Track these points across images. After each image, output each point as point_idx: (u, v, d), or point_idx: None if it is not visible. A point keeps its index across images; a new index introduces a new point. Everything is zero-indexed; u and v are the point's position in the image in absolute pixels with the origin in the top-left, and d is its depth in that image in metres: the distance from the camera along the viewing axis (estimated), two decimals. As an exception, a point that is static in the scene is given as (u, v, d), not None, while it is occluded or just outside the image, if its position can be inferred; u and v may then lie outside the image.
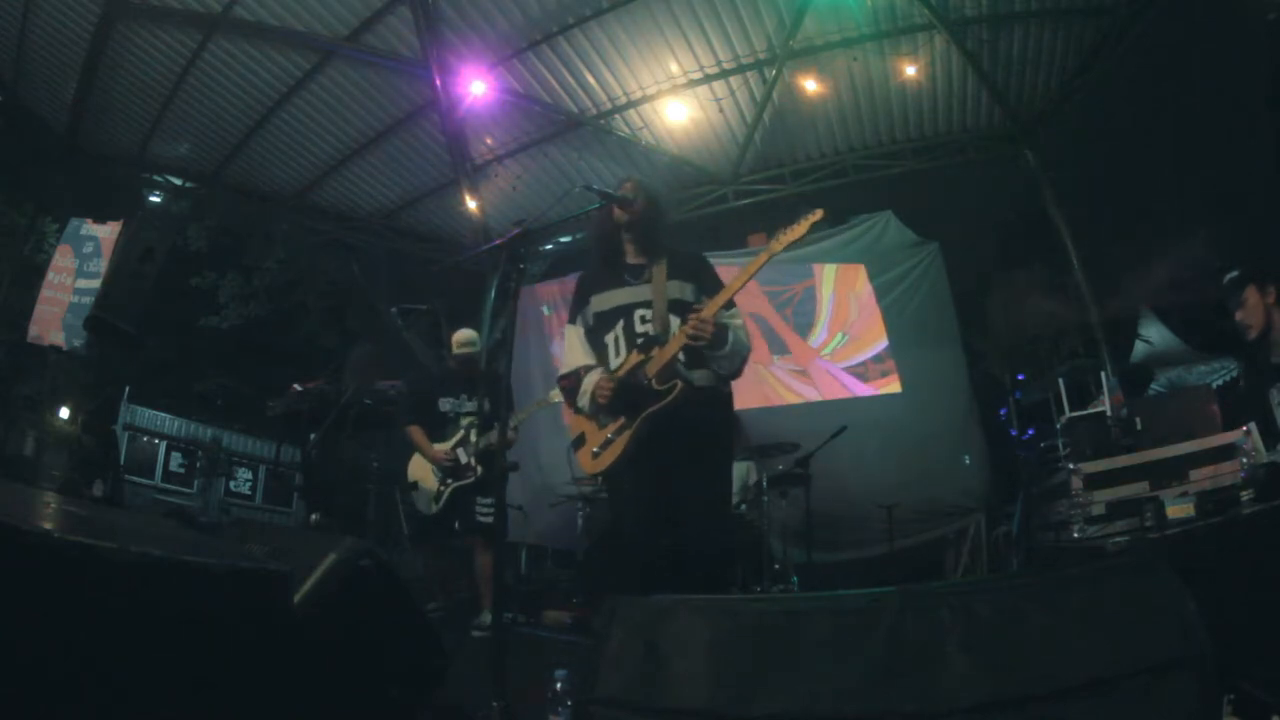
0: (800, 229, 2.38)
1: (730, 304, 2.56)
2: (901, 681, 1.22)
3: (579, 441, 2.65)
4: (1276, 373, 2.75)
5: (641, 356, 2.50)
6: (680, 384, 2.42)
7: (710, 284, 2.60)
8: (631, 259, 2.68)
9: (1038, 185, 6.95)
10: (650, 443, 2.46)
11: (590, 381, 2.56)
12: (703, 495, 2.48)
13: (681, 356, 2.45)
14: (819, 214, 2.38)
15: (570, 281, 7.90)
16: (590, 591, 4.86)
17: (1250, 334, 2.98)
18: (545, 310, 8.38)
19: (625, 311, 2.60)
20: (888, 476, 6.12)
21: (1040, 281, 8.02)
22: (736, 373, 2.57)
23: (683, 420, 2.43)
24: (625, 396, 2.48)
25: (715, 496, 2.57)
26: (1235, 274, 3.02)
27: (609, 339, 2.62)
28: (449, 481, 4.24)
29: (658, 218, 2.67)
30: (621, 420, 2.50)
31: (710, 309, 2.40)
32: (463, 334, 4.55)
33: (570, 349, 2.72)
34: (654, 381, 2.44)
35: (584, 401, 2.58)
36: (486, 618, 3.97)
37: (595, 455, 2.57)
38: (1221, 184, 6.88)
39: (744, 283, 2.49)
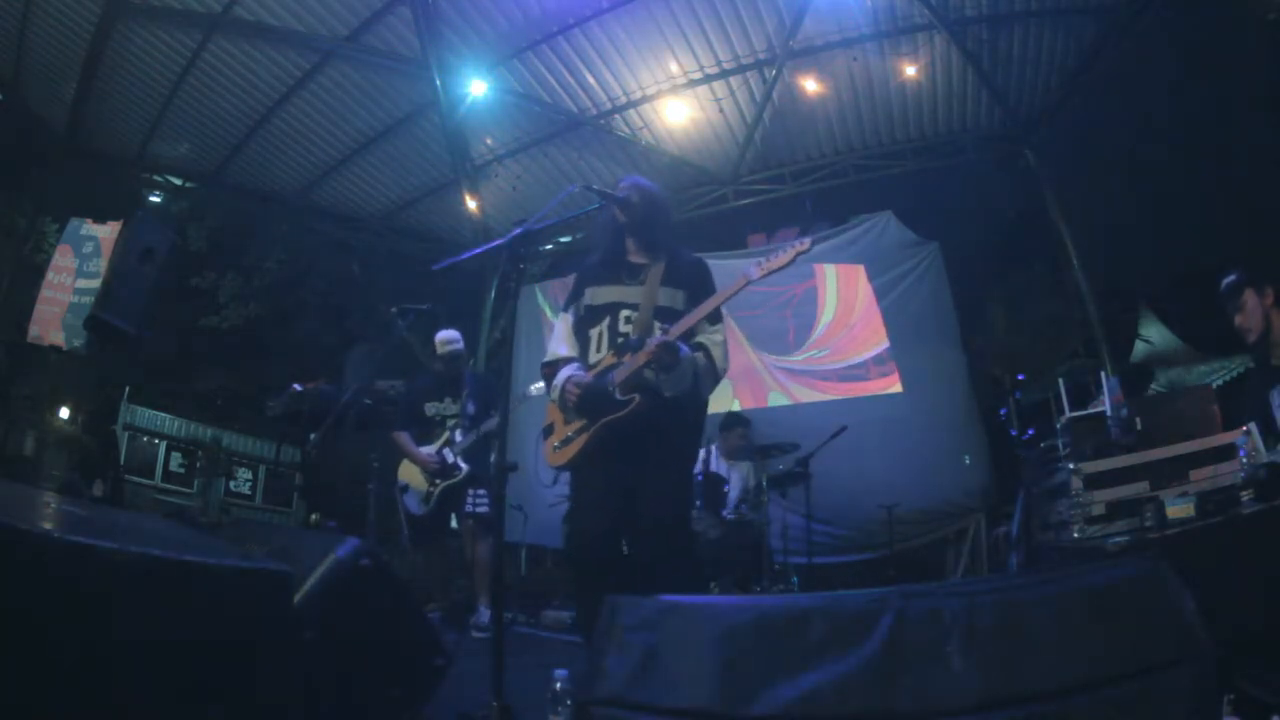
0: (783, 260, 2.39)
1: (717, 318, 2.55)
2: (901, 681, 1.22)
3: (548, 431, 2.68)
4: (1277, 374, 2.74)
5: (615, 359, 2.51)
6: (638, 398, 2.41)
7: (703, 297, 2.56)
8: (633, 258, 2.67)
9: (1038, 185, 6.95)
10: (605, 449, 2.47)
11: (563, 376, 2.57)
12: (661, 501, 2.46)
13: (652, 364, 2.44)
14: (806, 245, 2.39)
15: (569, 281, 7.94)
16: (577, 593, 4.86)
17: (1250, 337, 2.95)
18: (546, 311, 8.39)
19: (613, 309, 2.60)
20: (888, 476, 6.11)
21: (1040, 281, 8.04)
22: (694, 390, 2.51)
23: (641, 430, 2.42)
24: (589, 398, 2.49)
25: (674, 503, 2.54)
26: (1232, 278, 2.98)
27: (594, 333, 2.63)
28: (437, 482, 4.30)
29: (658, 219, 2.66)
30: (584, 421, 2.52)
31: (678, 329, 2.39)
32: (445, 334, 4.60)
33: (556, 337, 2.74)
34: (617, 390, 2.45)
35: (555, 394, 2.61)
36: (485, 616, 3.98)
37: (556, 449, 2.61)
38: (1221, 183, 6.89)
39: (717, 305, 2.48)
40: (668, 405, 2.45)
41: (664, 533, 2.44)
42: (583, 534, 2.57)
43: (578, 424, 2.54)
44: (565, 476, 2.74)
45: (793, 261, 2.39)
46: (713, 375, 2.53)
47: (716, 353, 2.53)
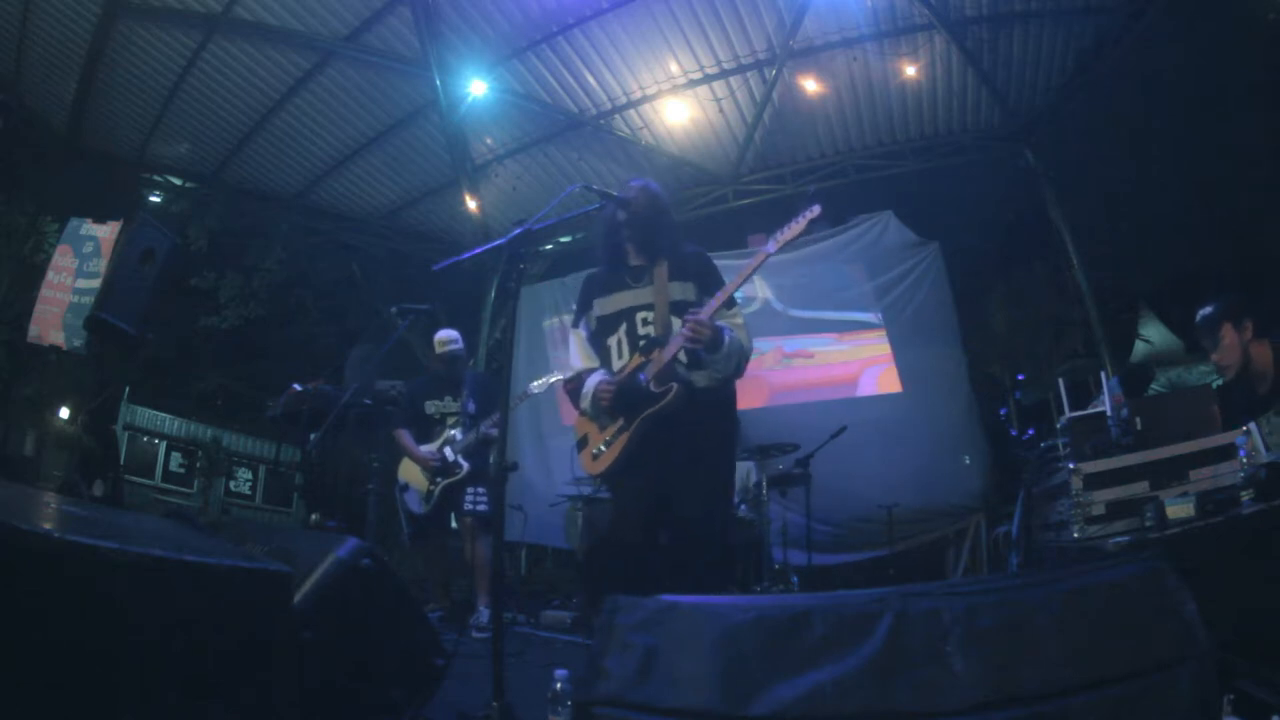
0: (798, 228, 2.37)
1: (732, 303, 2.56)
2: (901, 681, 1.22)
3: (582, 443, 2.67)
4: (1264, 404, 2.69)
5: (643, 359, 2.50)
6: (676, 386, 2.41)
7: (712, 283, 2.59)
8: (633, 260, 2.66)
9: (1038, 185, 6.95)
10: (647, 444, 2.46)
11: (591, 384, 2.56)
12: (700, 497, 2.46)
13: (682, 358, 2.45)
14: (816, 211, 2.35)
15: (569, 281, 7.96)
16: (590, 591, 4.87)
17: (1227, 374, 2.85)
18: (545, 312, 8.39)
19: (628, 314, 2.60)
20: (888, 476, 6.11)
21: (1040, 281, 8.05)
22: (735, 374, 2.54)
23: (681, 422, 2.42)
24: (624, 398, 2.49)
25: (713, 498, 2.54)
26: (1209, 311, 2.87)
27: (611, 342, 2.63)
28: (438, 481, 4.30)
29: (658, 218, 2.65)
30: (620, 422, 2.51)
31: (708, 310, 2.38)
32: (444, 334, 4.59)
33: (573, 353, 2.73)
34: (652, 384, 2.45)
35: (585, 404, 2.59)
36: (485, 616, 3.98)
37: (595, 457, 2.59)
38: (1222, 183, 6.89)
39: (740, 283, 2.49)
40: (703, 396, 2.46)
41: (698, 525, 2.45)
42: (619, 544, 2.59)
43: (614, 427, 2.53)
44: (579, 471, 2.74)
45: (806, 230, 2.37)
46: (744, 357, 2.54)
47: (741, 335, 2.53)
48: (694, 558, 2.44)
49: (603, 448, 2.56)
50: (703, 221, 7.82)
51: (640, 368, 2.50)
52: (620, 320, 2.61)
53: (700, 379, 2.48)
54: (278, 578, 1.42)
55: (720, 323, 2.45)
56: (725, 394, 2.58)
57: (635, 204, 2.60)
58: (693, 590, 1.84)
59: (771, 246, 2.42)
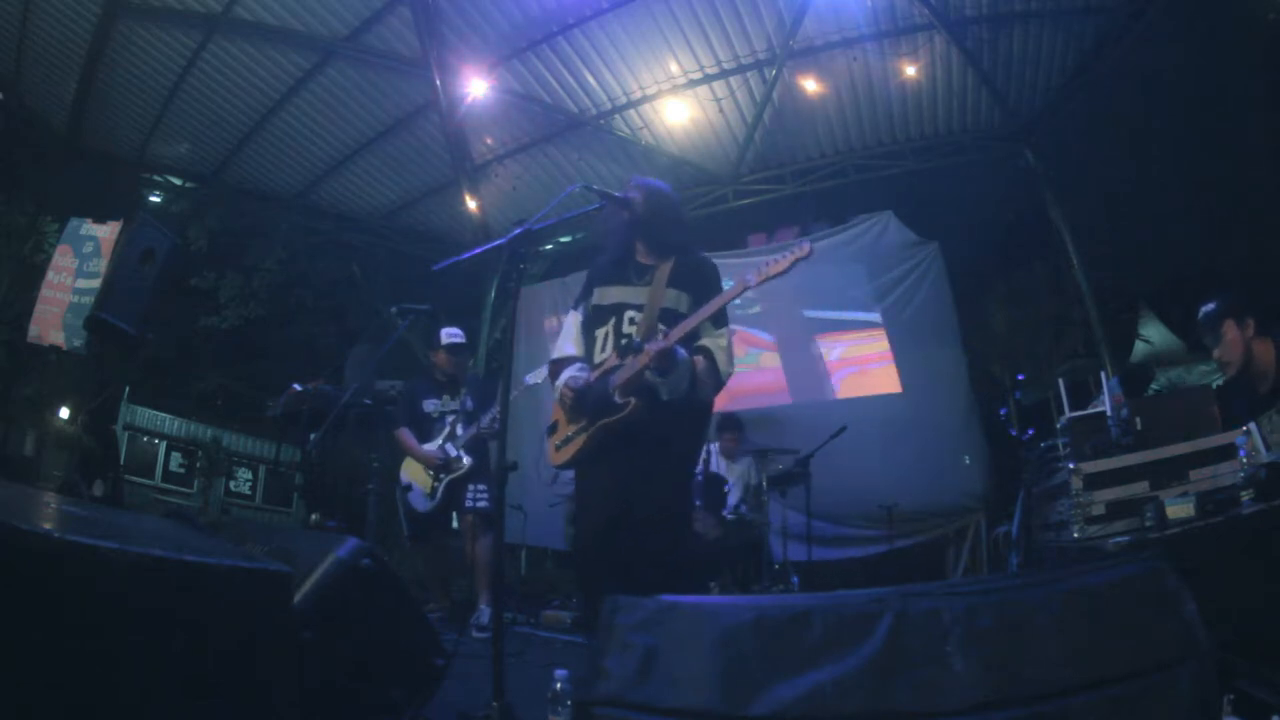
0: (782, 266, 2.34)
1: (723, 322, 2.53)
2: (901, 681, 1.22)
3: (552, 429, 2.69)
4: (1266, 402, 2.68)
5: (619, 361, 2.49)
6: (634, 401, 2.40)
7: (707, 300, 2.51)
8: (642, 258, 2.65)
9: (1038, 185, 6.95)
10: (602, 451, 2.48)
11: (563, 378, 2.59)
12: (651, 507, 2.43)
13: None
14: (806, 251, 2.33)
15: (569, 281, 7.96)
16: (583, 590, 4.87)
17: (1229, 371, 2.85)
18: (545, 312, 8.39)
19: (618, 310, 2.59)
20: (888, 476, 6.11)
21: (1040, 281, 8.05)
22: (695, 392, 2.47)
23: (639, 432, 2.41)
24: (589, 401, 2.50)
25: (665, 509, 2.49)
26: (1211, 307, 2.87)
27: (599, 333, 2.63)
28: (441, 477, 4.31)
29: (665, 219, 2.63)
30: (584, 421, 2.53)
31: (675, 335, 2.35)
32: (451, 329, 4.63)
33: (565, 334, 2.74)
34: (617, 393, 2.44)
35: (555, 394, 2.63)
36: (485, 616, 3.99)
37: (558, 448, 2.63)
38: (1222, 183, 6.89)
39: (713, 311, 2.43)
40: (667, 409, 2.43)
41: (654, 528, 2.42)
42: (583, 533, 2.60)
43: (578, 424, 2.55)
44: (564, 475, 2.77)
45: (792, 267, 2.35)
46: (714, 378, 2.49)
47: (720, 356, 2.49)
48: (642, 565, 2.41)
49: (565, 441, 2.60)
50: (703, 221, 7.82)
51: (614, 370, 2.49)
52: (611, 314, 2.61)
53: (664, 391, 2.43)
54: (278, 578, 1.42)
55: (680, 347, 2.38)
56: (690, 407, 2.52)
57: (637, 205, 2.59)
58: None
59: (752, 279, 2.38)
